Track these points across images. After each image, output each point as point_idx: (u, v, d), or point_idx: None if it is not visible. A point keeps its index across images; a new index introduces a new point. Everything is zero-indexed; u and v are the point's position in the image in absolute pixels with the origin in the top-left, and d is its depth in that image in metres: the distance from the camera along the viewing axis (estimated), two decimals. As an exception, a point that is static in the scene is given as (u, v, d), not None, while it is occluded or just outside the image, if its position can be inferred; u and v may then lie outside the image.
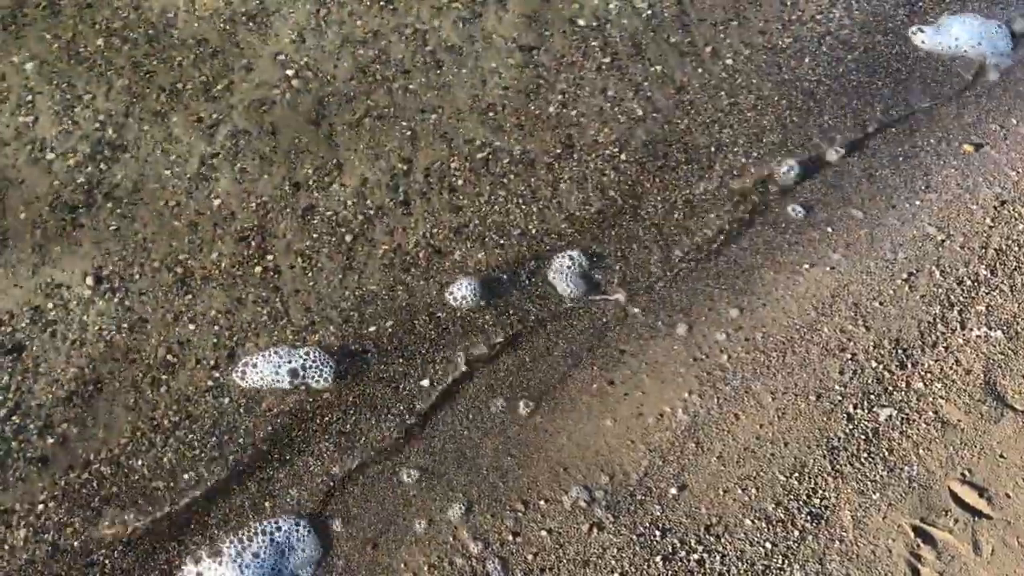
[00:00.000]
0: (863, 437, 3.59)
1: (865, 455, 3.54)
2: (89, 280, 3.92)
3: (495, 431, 3.63)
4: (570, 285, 3.99)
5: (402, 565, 3.30)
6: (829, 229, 4.23)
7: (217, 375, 3.73)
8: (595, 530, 3.39)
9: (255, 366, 3.70)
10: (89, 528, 3.36)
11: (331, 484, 3.50)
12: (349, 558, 3.33)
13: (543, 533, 3.39)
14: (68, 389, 3.66)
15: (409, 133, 4.46)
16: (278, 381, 3.68)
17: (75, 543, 3.34)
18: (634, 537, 3.37)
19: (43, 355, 3.73)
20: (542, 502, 3.47)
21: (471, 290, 3.94)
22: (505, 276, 4.04)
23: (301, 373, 3.69)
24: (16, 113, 4.37)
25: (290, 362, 3.72)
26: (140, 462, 3.52)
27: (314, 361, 3.73)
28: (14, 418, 3.59)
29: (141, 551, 3.33)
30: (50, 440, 3.55)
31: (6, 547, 3.32)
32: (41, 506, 3.41)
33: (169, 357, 3.76)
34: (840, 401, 3.68)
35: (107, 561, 3.31)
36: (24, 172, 4.20)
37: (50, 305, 3.85)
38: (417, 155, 4.39)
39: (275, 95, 4.54)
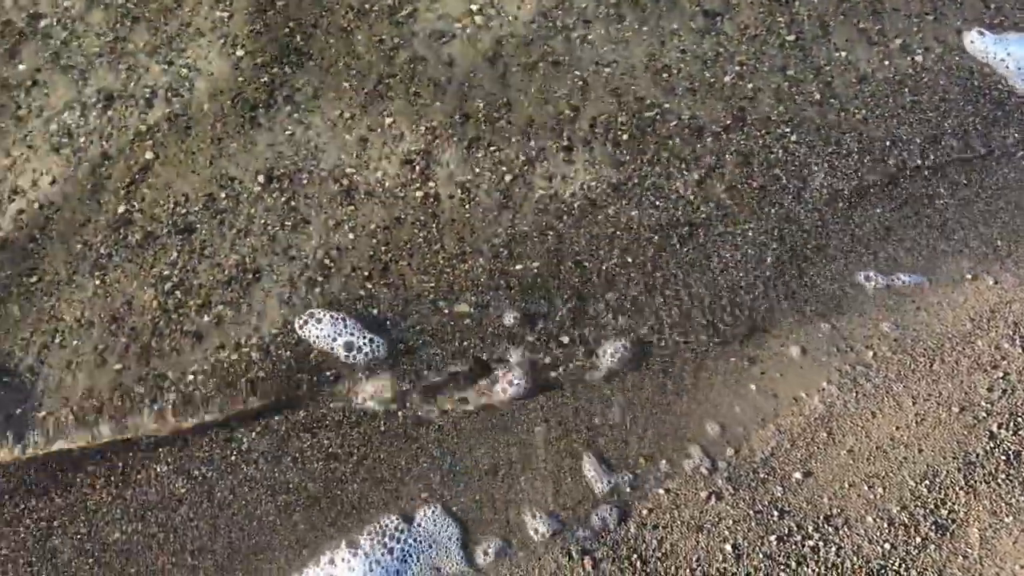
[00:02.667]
0: (1004, 458, 3.47)
1: (1003, 476, 3.42)
2: (261, 178, 4.09)
3: (627, 386, 3.65)
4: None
5: (520, 496, 3.37)
6: (999, 242, 4.06)
7: (370, 286, 3.84)
8: (713, 499, 3.39)
9: (319, 321, 3.76)
10: (234, 405, 3.53)
11: (465, 411, 3.58)
12: (469, 480, 3.41)
13: (660, 491, 3.41)
14: (228, 274, 3.84)
15: (581, 83, 4.47)
16: (332, 349, 3.72)
17: (219, 416, 3.52)
18: (751, 512, 3.35)
19: (210, 239, 3.91)
20: (664, 462, 3.48)
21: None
22: (656, 237, 4.03)
23: (356, 346, 3.71)
24: (214, 7, 4.56)
25: (352, 335, 3.74)
26: (287, 353, 3.67)
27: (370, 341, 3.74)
28: (177, 293, 3.79)
29: (277, 436, 3.49)
30: (206, 318, 3.74)
31: (155, 410, 3.52)
32: (191, 376, 3.60)
33: (327, 261, 3.90)
34: (984, 418, 3.56)
35: (245, 440, 3.48)
36: (214, 65, 4.38)
37: (222, 195, 4.03)
38: (586, 105, 4.40)
39: (456, 28, 4.60)
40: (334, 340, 3.63)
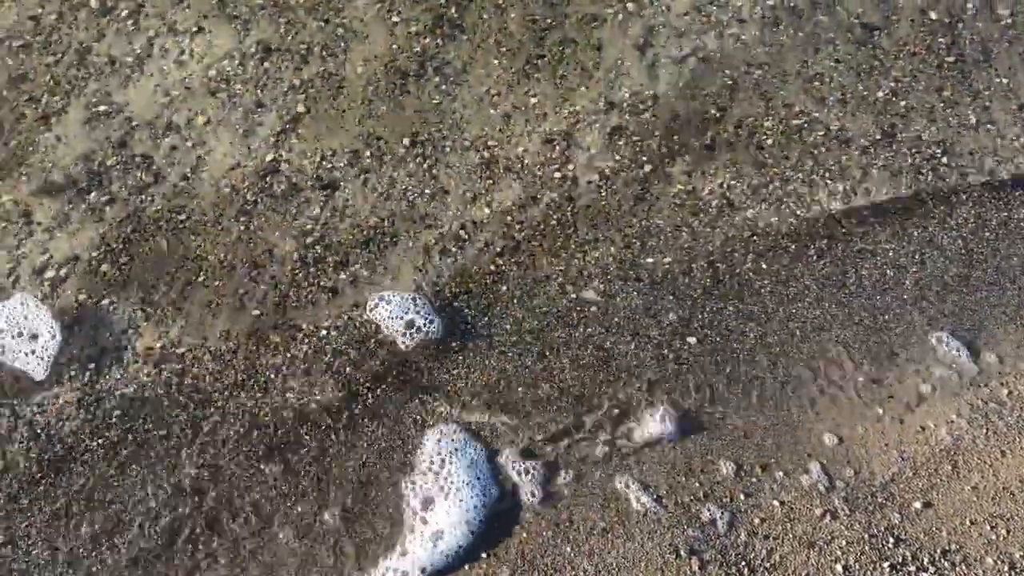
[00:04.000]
0: None
1: None
2: (405, 142, 4.15)
3: (747, 390, 3.62)
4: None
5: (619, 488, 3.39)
6: None
7: (500, 262, 3.88)
8: (828, 517, 3.35)
9: (388, 303, 3.76)
10: (362, 361, 3.62)
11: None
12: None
13: (775, 503, 3.38)
14: (367, 235, 3.92)
15: (730, 82, 4.41)
16: (396, 328, 3.71)
17: (347, 370, 3.60)
18: (866, 536, 3.30)
19: (352, 198, 4.00)
20: (780, 473, 3.45)
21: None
22: (793, 247, 3.97)
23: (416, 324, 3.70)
24: (374, -27, 4.63)
25: (418, 312, 3.73)
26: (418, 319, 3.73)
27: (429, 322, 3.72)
28: (317, 247, 3.88)
29: (397, 399, 3.55)
30: (343, 276, 3.83)
31: (288, 355, 3.63)
32: (324, 331, 3.69)
33: (461, 232, 3.95)
34: (1122, 473, 3.44)
35: (369, 396, 3.56)
36: (370, 28, 4.46)
37: (367, 154, 4.11)
38: (733, 106, 4.35)
39: (608, 14, 4.59)
40: (399, 319, 3.66)
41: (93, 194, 3.95)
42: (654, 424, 3.51)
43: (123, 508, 3.32)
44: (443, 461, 3.40)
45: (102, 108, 4.18)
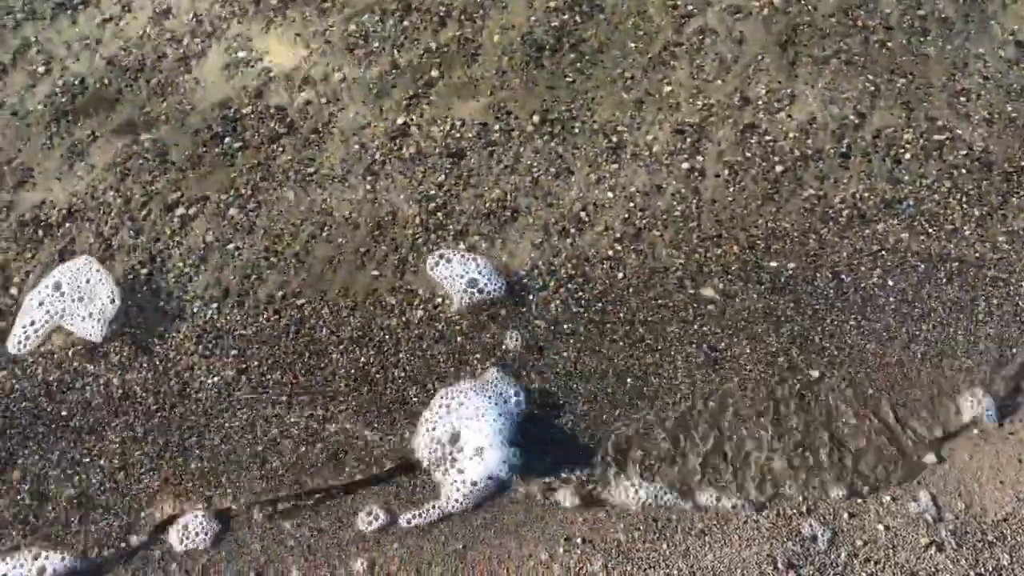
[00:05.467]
0: None
1: None
2: (535, 118, 4.13)
3: (858, 410, 3.53)
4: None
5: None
6: None
7: (619, 247, 3.84)
8: (933, 548, 3.26)
9: (448, 261, 3.73)
10: (475, 335, 3.63)
11: (689, 408, 3.56)
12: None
13: (879, 527, 3.30)
14: (488, 208, 3.92)
15: (872, 88, 4.28)
16: (457, 287, 3.69)
17: (458, 340, 3.62)
18: (971, 573, 3.21)
19: (478, 168, 3.99)
20: (888, 497, 3.37)
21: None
22: (922, 266, 3.85)
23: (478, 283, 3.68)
24: (519, -57, 4.59)
25: (480, 272, 3.69)
26: (531, 297, 3.72)
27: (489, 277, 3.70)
28: (439, 214, 3.89)
29: (515, 370, 3.56)
30: (461, 245, 3.83)
31: (403, 320, 3.65)
32: (439, 299, 3.71)
33: (582, 215, 3.92)
34: None
35: (479, 367, 3.57)
36: (508, -1, 4.43)
37: (496, 127, 4.09)
38: (873, 113, 4.22)
39: (754, 6, 4.48)
40: (461, 277, 3.64)
41: (228, 139, 4.02)
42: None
43: (232, 450, 3.40)
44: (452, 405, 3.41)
45: (241, 55, 4.24)
